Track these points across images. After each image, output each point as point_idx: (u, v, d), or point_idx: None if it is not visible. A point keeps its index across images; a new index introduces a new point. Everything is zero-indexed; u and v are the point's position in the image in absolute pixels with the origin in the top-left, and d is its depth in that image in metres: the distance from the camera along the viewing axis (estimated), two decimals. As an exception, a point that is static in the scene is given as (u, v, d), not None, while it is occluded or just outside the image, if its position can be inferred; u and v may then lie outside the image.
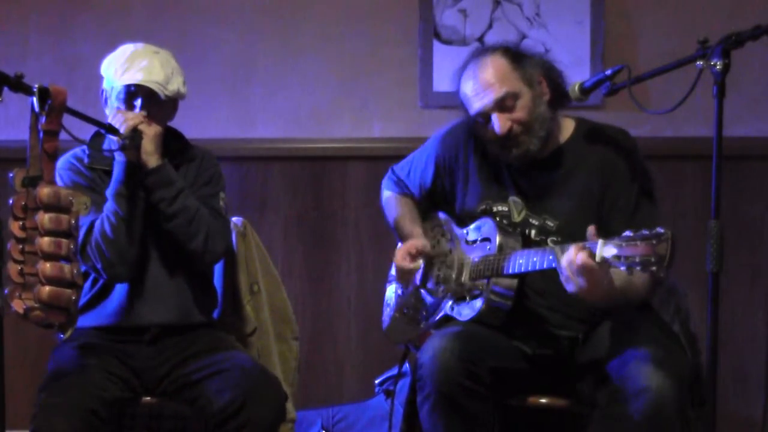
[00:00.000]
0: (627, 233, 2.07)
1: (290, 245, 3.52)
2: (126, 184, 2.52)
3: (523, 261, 2.34)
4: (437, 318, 2.55)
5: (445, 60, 3.44)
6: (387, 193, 2.81)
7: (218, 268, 2.81)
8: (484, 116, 2.43)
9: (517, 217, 2.50)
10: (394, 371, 3.18)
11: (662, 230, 2.01)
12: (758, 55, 3.06)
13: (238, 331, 2.79)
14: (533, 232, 2.48)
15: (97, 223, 2.52)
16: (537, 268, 2.30)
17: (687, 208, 3.35)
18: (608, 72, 2.40)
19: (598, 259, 2.10)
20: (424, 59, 3.46)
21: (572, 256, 2.16)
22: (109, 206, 2.52)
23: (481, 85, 2.43)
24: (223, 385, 2.41)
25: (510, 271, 2.37)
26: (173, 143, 2.67)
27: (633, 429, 2.18)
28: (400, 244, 2.73)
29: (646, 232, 2.03)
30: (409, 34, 3.47)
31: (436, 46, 3.45)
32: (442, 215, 2.69)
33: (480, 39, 3.44)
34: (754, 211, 3.40)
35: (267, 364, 2.77)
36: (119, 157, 2.53)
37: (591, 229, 2.16)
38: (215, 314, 2.77)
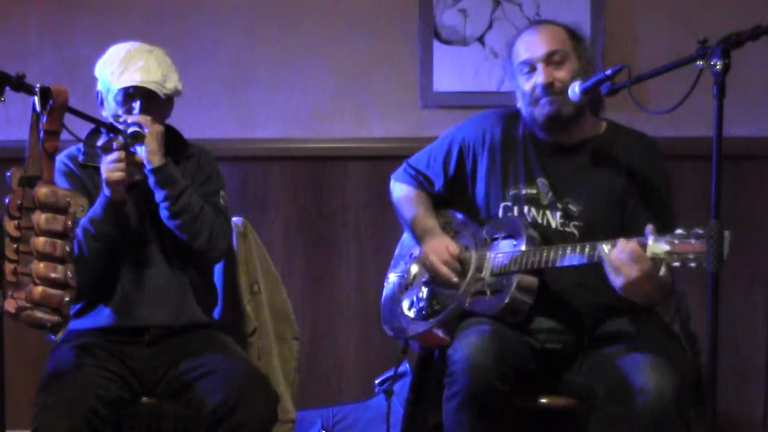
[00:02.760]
0: (679, 231, 2.14)
1: (290, 245, 3.51)
2: (103, 221, 2.48)
3: (556, 256, 2.36)
4: (448, 311, 2.54)
5: (445, 60, 3.44)
6: (402, 187, 2.78)
7: (218, 268, 2.81)
8: (530, 65, 2.49)
9: (544, 200, 2.53)
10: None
11: None
12: (758, 55, 3.05)
13: (238, 331, 2.79)
14: (558, 214, 2.50)
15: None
16: (576, 263, 2.34)
17: (687, 208, 3.34)
18: (608, 72, 2.40)
19: (649, 253, 2.17)
20: (424, 59, 3.45)
21: (623, 245, 2.21)
22: (78, 233, 2.46)
23: (537, 39, 2.52)
24: (214, 386, 2.41)
25: (545, 265, 2.39)
26: (172, 141, 2.66)
27: (633, 426, 2.21)
28: (407, 233, 2.74)
29: (699, 230, 2.10)
30: (409, 34, 3.47)
31: (436, 46, 3.45)
32: (456, 214, 2.69)
33: (480, 39, 3.44)
34: (754, 211, 3.40)
35: (267, 365, 2.77)
36: (106, 192, 2.48)
37: (650, 227, 2.21)
38: (215, 313, 2.77)
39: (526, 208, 2.54)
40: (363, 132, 3.50)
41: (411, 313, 2.66)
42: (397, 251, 2.84)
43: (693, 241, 2.11)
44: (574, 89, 2.47)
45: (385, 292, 2.79)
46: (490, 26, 3.45)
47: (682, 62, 2.20)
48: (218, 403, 2.37)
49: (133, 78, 2.52)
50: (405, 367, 3.09)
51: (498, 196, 2.58)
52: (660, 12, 3.41)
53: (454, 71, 3.45)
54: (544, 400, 2.48)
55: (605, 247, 2.26)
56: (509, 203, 2.57)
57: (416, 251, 2.72)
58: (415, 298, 2.67)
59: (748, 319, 3.41)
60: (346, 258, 3.52)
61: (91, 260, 2.48)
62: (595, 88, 2.43)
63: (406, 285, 2.71)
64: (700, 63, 2.09)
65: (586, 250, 2.32)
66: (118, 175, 2.45)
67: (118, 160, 2.45)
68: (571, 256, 2.34)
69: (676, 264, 2.12)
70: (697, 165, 3.36)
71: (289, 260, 3.50)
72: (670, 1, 3.42)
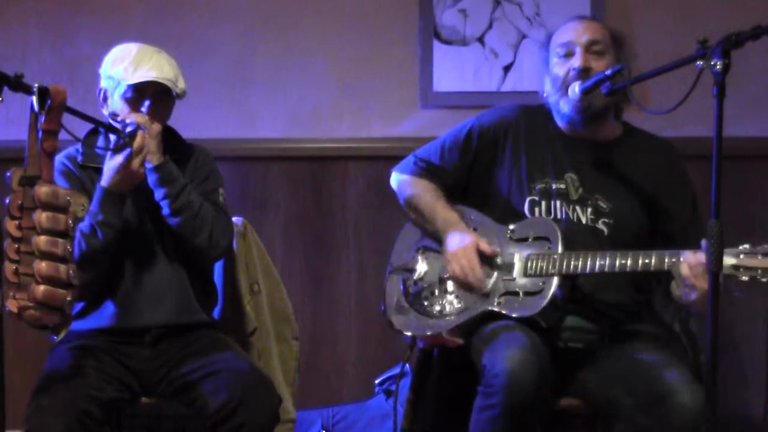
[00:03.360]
0: (744, 246, 2.15)
1: (290, 245, 3.51)
2: (104, 212, 2.48)
3: (604, 262, 2.34)
4: (475, 313, 2.48)
5: (445, 60, 3.44)
6: (414, 180, 2.67)
7: (218, 268, 2.81)
8: (569, 48, 2.49)
9: (574, 195, 2.52)
10: (394, 371, 3.18)
11: None
12: (758, 55, 3.06)
13: (239, 331, 2.79)
14: (589, 210, 2.49)
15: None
16: (627, 270, 2.31)
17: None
18: (608, 72, 2.41)
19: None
20: (424, 59, 3.45)
21: (692, 258, 2.21)
22: (85, 225, 2.46)
23: (581, 26, 2.52)
24: (218, 386, 2.40)
25: (590, 270, 2.35)
26: (170, 141, 2.65)
27: None
28: (416, 228, 2.67)
29: (766, 246, 2.13)
30: (409, 34, 3.47)
31: (436, 46, 3.45)
32: (471, 211, 2.63)
33: (480, 39, 3.44)
34: (754, 211, 3.40)
35: (267, 365, 2.77)
36: (104, 182, 2.48)
37: (705, 241, 2.19)
38: (216, 313, 2.77)
39: (557, 203, 2.52)
40: (363, 132, 3.50)
41: (423, 310, 2.58)
42: (397, 245, 2.74)
43: (760, 257, 2.14)
44: (574, 89, 2.46)
45: (389, 286, 2.68)
46: (490, 26, 3.45)
47: (682, 62, 2.20)
48: (221, 403, 2.36)
49: (149, 74, 2.52)
50: (405, 367, 3.08)
51: (524, 189, 2.54)
52: (660, 12, 3.41)
53: (454, 71, 3.45)
54: (563, 403, 2.46)
55: (676, 265, 2.25)
56: (536, 197, 2.53)
57: (425, 242, 2.65)
58: (429, 295, 2.59)
59: (748, 319, 3.41)
60: (346, 258, 3.52)
61: (96, 256, 2.48)
62: (595, 88, 2.43)
63: (415, 280, 2.63)
64: (700, 63, 2.08)
65: (639, 260, 2.29)
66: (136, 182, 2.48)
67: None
68: (621, 265, 2.32)
69: (745, 278, 2.13)
70: (697, 165, 3.35)
71: (289, 260, 3.50)
72: (670, 1, 3.42)
